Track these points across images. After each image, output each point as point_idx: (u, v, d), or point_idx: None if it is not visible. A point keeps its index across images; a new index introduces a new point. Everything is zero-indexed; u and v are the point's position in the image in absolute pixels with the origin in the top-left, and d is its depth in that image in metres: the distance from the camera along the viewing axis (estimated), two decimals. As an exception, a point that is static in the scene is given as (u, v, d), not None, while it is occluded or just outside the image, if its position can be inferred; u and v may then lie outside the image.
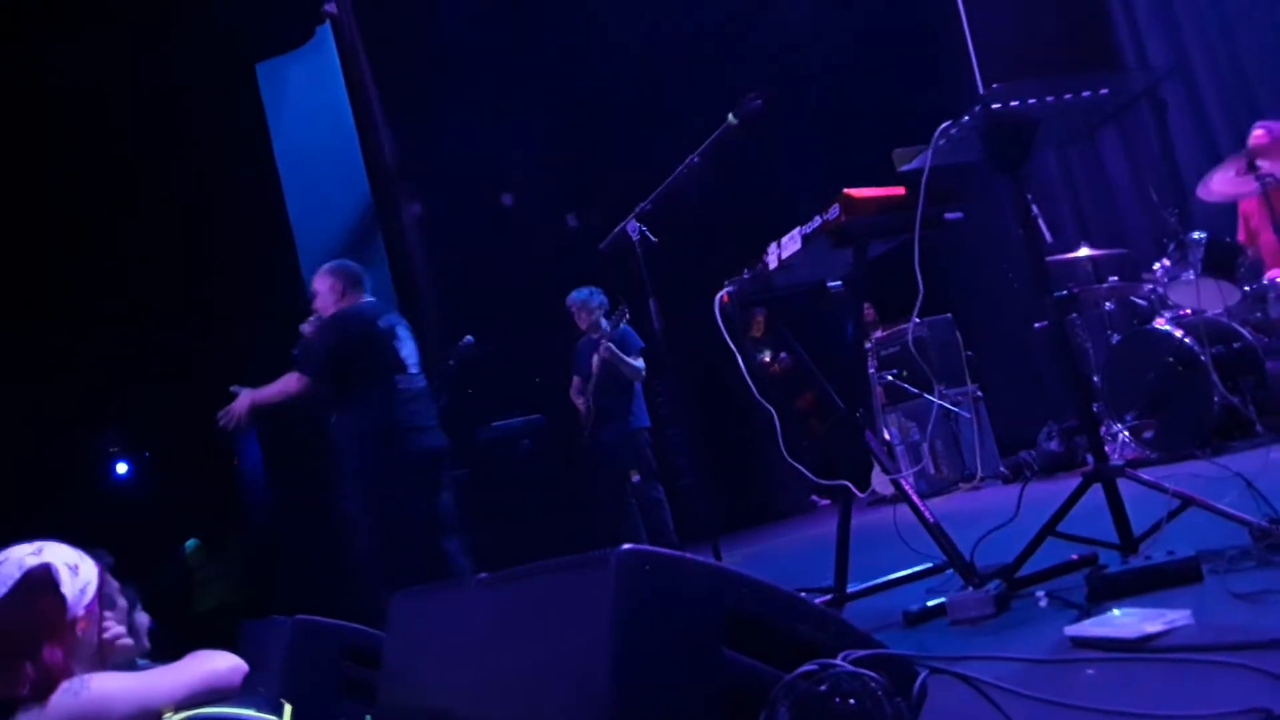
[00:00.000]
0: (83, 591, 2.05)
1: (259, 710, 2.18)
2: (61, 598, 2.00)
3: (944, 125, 2.47)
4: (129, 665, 2.54)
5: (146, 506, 9.56)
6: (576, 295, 5.54)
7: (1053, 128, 2.66)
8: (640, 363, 5.41)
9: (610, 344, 5.33)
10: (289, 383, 4.17)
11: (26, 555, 2.02)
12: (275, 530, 8.07)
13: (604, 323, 5.39)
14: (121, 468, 9.98)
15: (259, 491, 8.59)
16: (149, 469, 10.04)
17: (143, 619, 2.72)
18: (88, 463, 9.82)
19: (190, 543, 8.60)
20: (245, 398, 4.15)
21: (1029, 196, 2.70)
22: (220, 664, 2.13)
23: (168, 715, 2.04)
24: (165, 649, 2.40)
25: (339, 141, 6.86)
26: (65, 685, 1.94)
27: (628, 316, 5.43)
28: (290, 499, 7.97)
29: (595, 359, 5.43)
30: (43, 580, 2.00)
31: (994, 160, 2.60)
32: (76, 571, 2.05)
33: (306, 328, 4.33)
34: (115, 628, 2.19)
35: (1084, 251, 5.37)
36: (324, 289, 4.32)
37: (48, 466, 8.70)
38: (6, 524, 2.24)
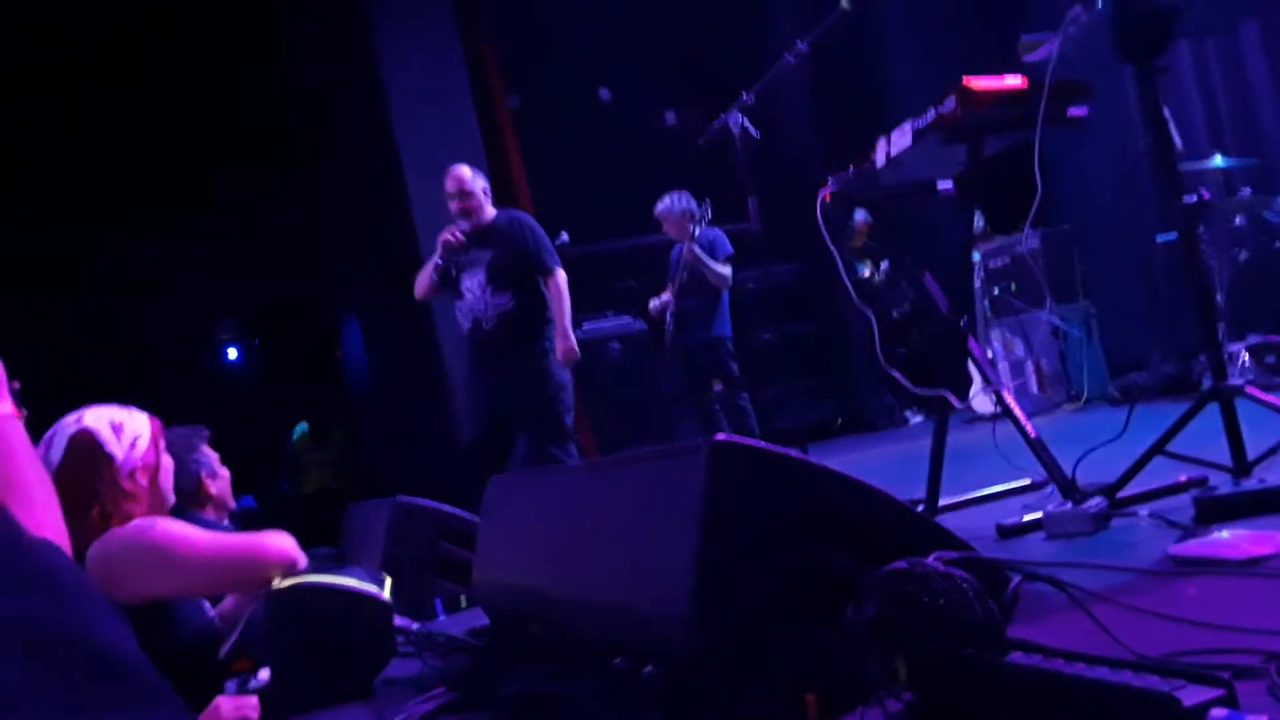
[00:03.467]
0: (133, 445, 2.18)
1: (361, 581, 2.29)
2: (109, 456, 2.13)
3: (1073, 11, 2.31)
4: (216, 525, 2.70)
5: (254, 391, 10.02)
6: (661, 204, 5.46)
7: (1191, 18, 2.46)
8: (727, 270, 5.31)
9: (695, 246, 5.25)
10: (563, 286, 4.30)
11: (70, 424, 2.15)
12: (376, 417, 8.37)
13: (691, 226, 5.30)
14: (232, 353, 10.44)
15: (360, 380, 8.89)
16: (257, 355, 10.49)
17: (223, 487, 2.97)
18: (200, 347, 10.31)
19: (300, 428, 8.98)
20: (570, 343, 4.25)
21: (1160, 96, 2.52)
22: (285, 543, 2.22)
23: (277, 580, 2.16)
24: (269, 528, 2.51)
25: (438, 34, 6.82)
26: (136, 523, 2.08)
27: (710, 216, 5.32)
28: (389, 388, 8.24)
29: (680, 262, 5.39)
30: (87, 444, 2.13)
31: (1125, 52, 2.42)
32: (121, 428, 2.18)
33: (457, 239, 4.29)
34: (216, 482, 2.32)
35: (1217, 160, 5.04)
36: (478, 190, 4.39)
37: (163, 349, 9.15)
38: (126, 402, 2.36)
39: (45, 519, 1.11)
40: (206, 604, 2.28)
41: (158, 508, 2.22)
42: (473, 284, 4.31)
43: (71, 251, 8.59)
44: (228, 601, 2.34)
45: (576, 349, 4.28)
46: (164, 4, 7.36)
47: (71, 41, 7.44)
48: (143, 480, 2.19)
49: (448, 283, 4.38)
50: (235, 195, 8.77)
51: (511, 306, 4.25)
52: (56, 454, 2.12)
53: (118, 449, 2.16)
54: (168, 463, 2.31)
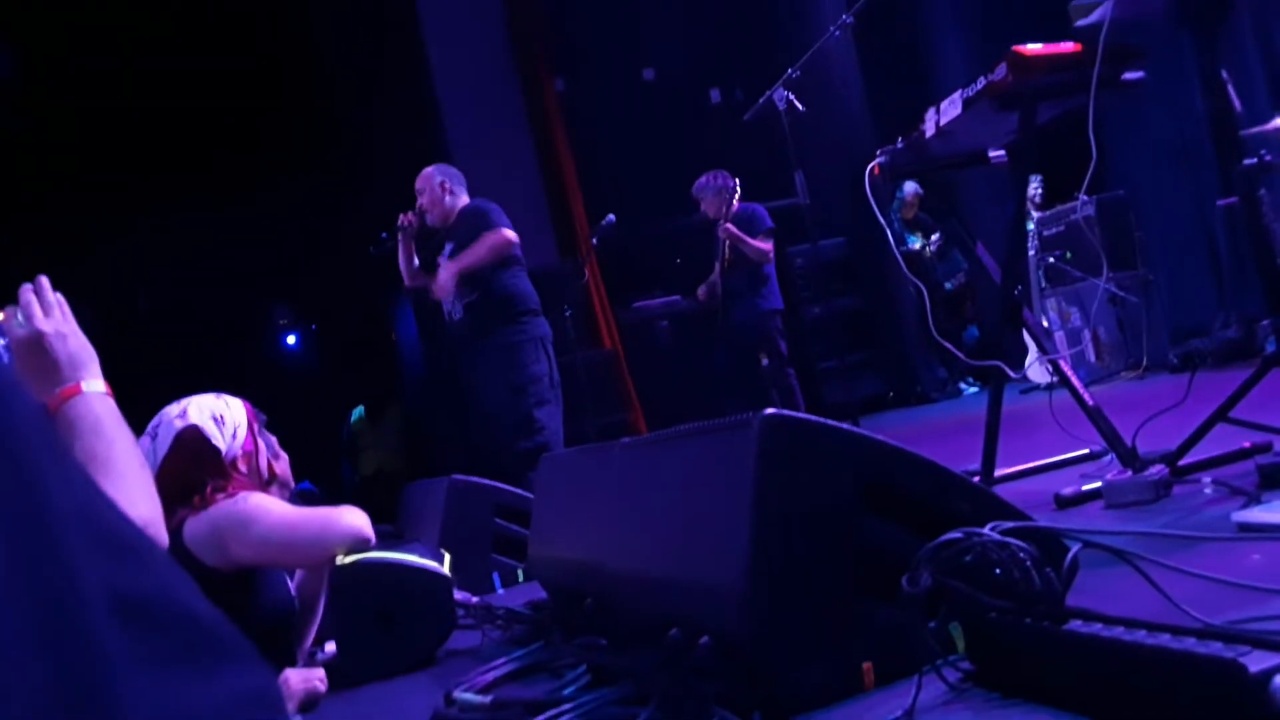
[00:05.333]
0: (234, 435, 2.25)
1: (422, 556, 2.34)
2: (215, 449, 2.20)
3: (1129, -28, 2.25)
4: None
5: (312, 377, 10.20)
6: (698, 182, 5.52)
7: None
8: (765, 244, 5.34)
9: (730, 225, 5.30)
10: (496, 239, 4.11)
11: (174, 419, 2.23)
12: (430, 399, 8.46)
13: (724, 204, 5.34)
14: (290, 340, 10.63)
15: (415, 363, 8.99)
16: (315, 341, 10.67)
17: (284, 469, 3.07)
18: (260, 334, 10.52)
19: (357, 411, 9.12)
20: (448, 269, 4.15)
21: (1218, 57, 2.46)
22: (358, 519, 2.28)
23: (340, 557, 2.22)
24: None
25: (485, 13, 6.85)
26: (228, 495, 2.16)
27: (738, 193, 5.35)
28: (442, 370, 8.33)
29: (722, 240, 5.44)
30: (194, 439, 2.21)
31: (1184, 13, 2.37)
32: (222, 421, 2.25)
33: (408, 219, 4.35)
34: (282, 465, 2.41)
35: (1277, 123, 4.88)
36: (432, 184, 4.36)
37: (224, 335, 9.36)
38: (188, 389, 2.43)
39: (139, 497, 1.14)
40: (289, 580, 2.35)
41: (253, 487, 2.30)
42: (441, 271, 4.32)
43: (130, 241, 8.80)
44: (299, 578, 2.41)
45: (447, 285, 4.12)
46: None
47: (120, 27, 7.57)
48: (243, 467, 2.27)
49: (430, 269, 4.40)
50: (287, 182, 8.90)
51: (476, 297, 4.20)
52: (162, 447, 2.19)
53: (222, 442, 2.24)
54: (263, 445, 2.39)
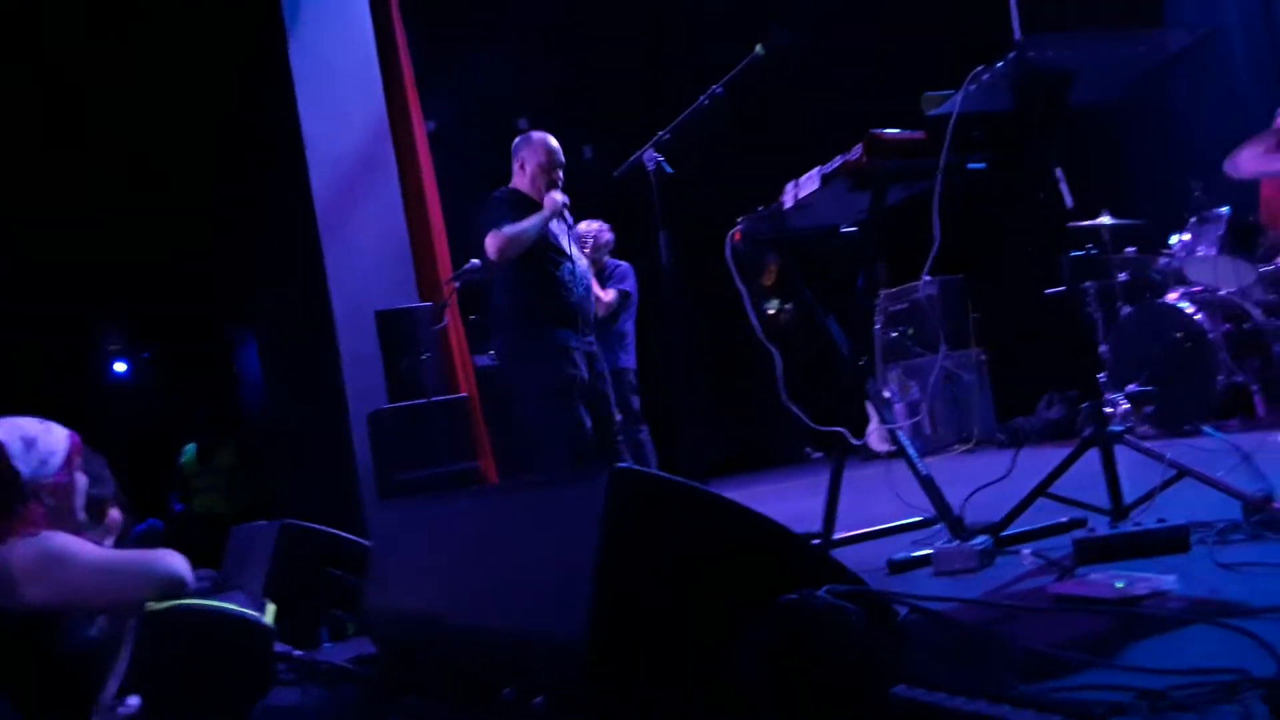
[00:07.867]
0: (44, 462, 2.08)
1: (243, 606, 2.20)
2: (15, 472, 2.03)
3: (976, 70, 2.41)
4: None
5: (143, 407, 9.60)
6: (580, 229, 5.52)
7: (1088, 84, 2.59)
8: (609, 295, 5.37)
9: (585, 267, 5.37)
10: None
11: None
12: (270, 438, 8.09)
13: (608, 260, 5.39)
14: (120, 366, 9.99)
15: (255, 400, 8.59)
16: (148, 369, 10.06)
17: (115, 515, 2.85)
18: (88, 360, 9.85)
19: (189, 449, 8.65)
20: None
21: (1055, 153, 2.66)
22: (176, 562, 2.13)
23: (150, 605, 2.06)
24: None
25: (356, 52, 6.72)
26: (31, 533, 1.98)
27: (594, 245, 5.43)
28: (284, 409, 7.99)
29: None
30: None
31: (1024, 111, 2.54)
32: (33, 444, 2.09)
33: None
34: (114, 513, 2.23)
35: (1104, 219, 5.29)
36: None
37: (49, 359, 8.73)
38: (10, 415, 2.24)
39: None
40: (93, 627, 2.16)
41: (63, 526, 2.11)
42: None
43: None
44: (101, 622, 2.22)
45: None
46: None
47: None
48: (49, 500, 2.08)
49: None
50: (136, 205, 8.46)
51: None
52: None
53: (25, 465, 2.05)
54: (81, 482, 2.20)
